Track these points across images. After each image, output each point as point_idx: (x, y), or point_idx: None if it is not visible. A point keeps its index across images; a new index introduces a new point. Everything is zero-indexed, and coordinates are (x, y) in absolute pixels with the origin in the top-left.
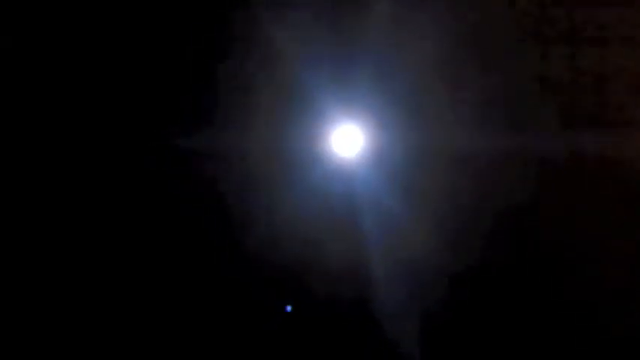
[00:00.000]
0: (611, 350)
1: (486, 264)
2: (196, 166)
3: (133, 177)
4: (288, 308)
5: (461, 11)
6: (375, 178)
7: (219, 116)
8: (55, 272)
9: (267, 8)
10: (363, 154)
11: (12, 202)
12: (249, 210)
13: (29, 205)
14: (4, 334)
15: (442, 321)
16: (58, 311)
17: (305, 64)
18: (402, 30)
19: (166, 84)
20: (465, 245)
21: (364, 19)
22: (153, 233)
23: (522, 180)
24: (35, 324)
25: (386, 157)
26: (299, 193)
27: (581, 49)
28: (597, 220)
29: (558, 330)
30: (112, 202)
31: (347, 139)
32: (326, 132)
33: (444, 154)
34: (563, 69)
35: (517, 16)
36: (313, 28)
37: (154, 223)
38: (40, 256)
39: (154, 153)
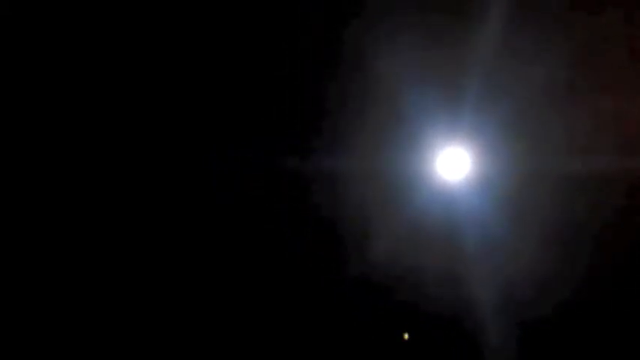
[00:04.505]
0: None
1: (588, 286)
2: (303, 188)
3: (242, 197)
4: (406, 336)
5: (571, 34)
6: (480, 201)
7: (327, 139)
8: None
9: (372, 32)
10: (468, 176)
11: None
12: (355, 231)
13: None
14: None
15: (541, 341)
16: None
17: (413, 88)
18: (510, 54)
19: (273, 108)
20: (568, 268)
21: (473, 43)
22: (264, 252)
23: (630, 202)
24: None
25: (491, 180)
26: (405, 215)
27: None
28: None
29: None
30: (219, 221)
31: (453, 162)
32: (432, 155)
33: (549, 177)
34: None
35: (630, 38)
36: (421, 52)
37: (263, 242)
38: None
39: (263, 175)
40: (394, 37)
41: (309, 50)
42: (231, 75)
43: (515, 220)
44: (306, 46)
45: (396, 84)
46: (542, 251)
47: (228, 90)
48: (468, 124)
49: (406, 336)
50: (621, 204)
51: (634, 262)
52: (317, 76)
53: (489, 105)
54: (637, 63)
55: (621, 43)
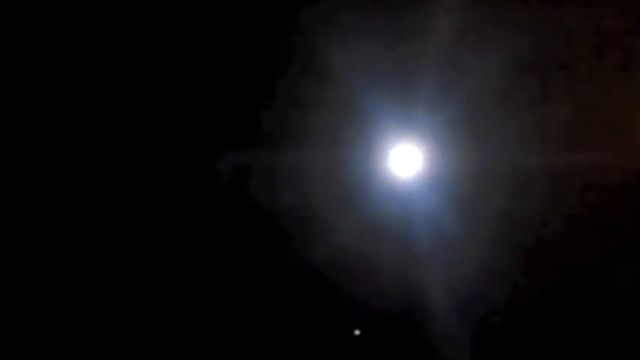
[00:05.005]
0: None
1: (542, 283)
2: (252, 185)
3: (190, 194)
4: (357, 332)
5: (523, 31)
6: (432, 198)
7: (277, 135)
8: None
9: (324, 28)
10: (420, 173)
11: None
12: (305, 229)
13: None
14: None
15: (496, 340)
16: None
17: (364, 85)
18: (461, 49)
19: (223, 101)
20: (521, 265)
21: (423, 38)
22: (209, 249)
23: (581, 199)
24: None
25: (443, 177)
26: (356, 213)
27: None
28: None
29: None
30: (168, 218)
31: (405, 160)
32: (383, 151)
33: (501, 174)
34: (627, 91)
35: (581, 36)
36: (372, 48)
37: (210, 239)
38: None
39: (211, 171)
40: (346, 33)
41: (259, 47)
42: (185, 72)
43: (468, 217)
44: (256, 42)
45: (348, 81)
46: (495, 248)
47: (183, 88)
48: (421, 121)
49: (357, 332)
50: (575, 201)
51: (588, 257)
52: (267, 73)
53: (442, 102)
54: (594, 60)
55: (578, 40)
